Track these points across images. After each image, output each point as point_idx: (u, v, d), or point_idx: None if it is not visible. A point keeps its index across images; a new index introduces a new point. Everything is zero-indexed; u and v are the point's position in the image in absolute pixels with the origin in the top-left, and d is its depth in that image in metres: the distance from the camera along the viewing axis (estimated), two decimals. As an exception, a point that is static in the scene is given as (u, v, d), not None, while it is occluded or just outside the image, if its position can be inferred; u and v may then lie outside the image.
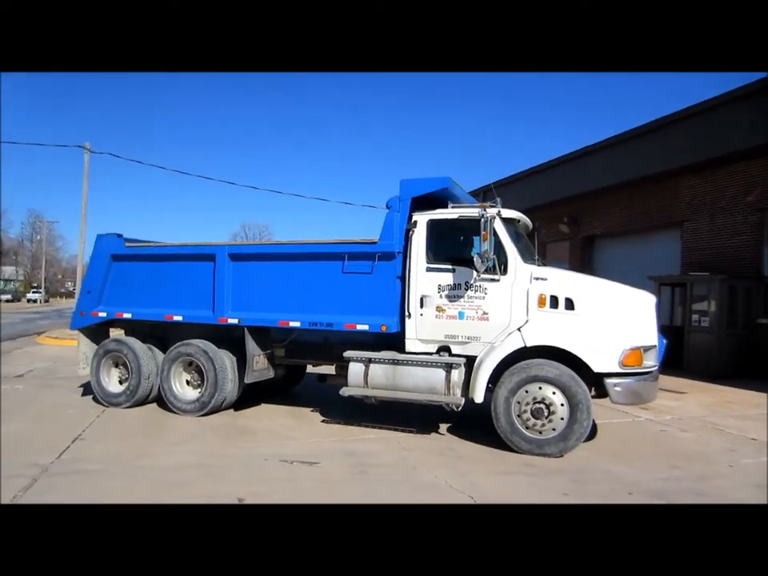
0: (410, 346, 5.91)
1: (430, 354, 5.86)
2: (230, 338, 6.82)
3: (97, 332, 7.66)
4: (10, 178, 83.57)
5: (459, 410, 5.71)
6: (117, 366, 7.30)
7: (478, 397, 5.51)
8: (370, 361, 5.93)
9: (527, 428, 5.33)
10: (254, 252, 6.74)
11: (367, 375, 5.91)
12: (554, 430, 5.25)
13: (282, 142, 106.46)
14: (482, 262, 5.30)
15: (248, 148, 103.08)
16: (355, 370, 5.98)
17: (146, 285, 7.08)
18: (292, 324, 6.29)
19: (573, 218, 16.77)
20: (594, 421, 5.60)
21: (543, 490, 4.39)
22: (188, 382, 6.94)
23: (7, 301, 54.49)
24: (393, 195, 5.88)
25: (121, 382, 7.25)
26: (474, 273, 5.56)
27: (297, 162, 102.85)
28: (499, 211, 5.69)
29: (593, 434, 5.98)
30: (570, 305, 5.41)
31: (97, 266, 7.40)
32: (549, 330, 5.40)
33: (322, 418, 6.71)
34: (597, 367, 5.25)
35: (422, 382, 5.69)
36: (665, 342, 6.00)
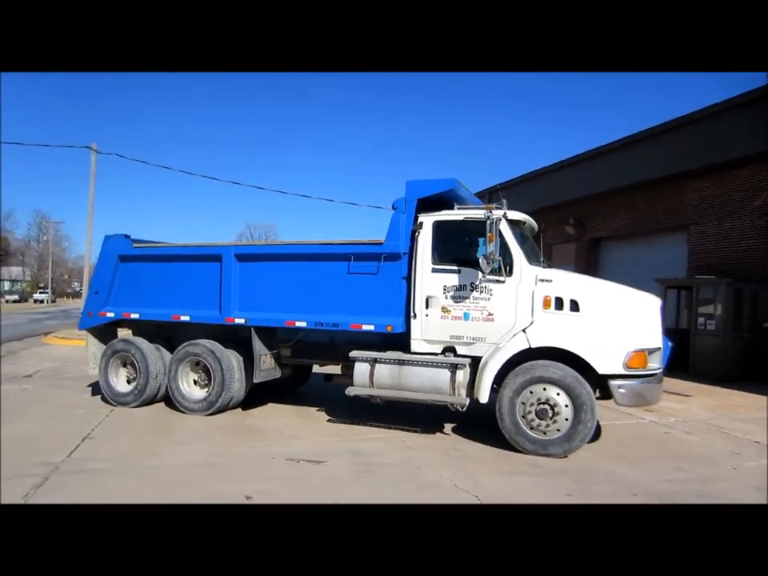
0: (415, 346, 5.95)
1: (436, 354, 5.90)
2: (236, 338, 6.89)
3: (105, 332, 7.74)
4: (16, 179, 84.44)
5: (464, 410, 5.75)
6: (125, 365, 7.36)
7: (483, 397, 5.54)
8: (375, 361, 5.98)
9: (532, 428, 5.36)
10: (260, 252, 6.80)
11: (373, 375, 5.95)
12: (558, 430, 5.28)
13: (287, 141, 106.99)
14: (488, 263, 5.34)
15: (253, 148, 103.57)
16: (361, 369, 6.03)
17: (154, 285, 7.15)
18: (298, 324, 6.34)
19: (579, 220, 16.76)
20: (598, 422, 5.61)
21: (547, 490, 4.42)
22: (195, 382, 7.00)
23: (14, 301, 54.92)
24: (398, 196, 5.93)
25: (129, 382, 7.31)
26: (480, 274, 5.60)
27: (302, 162, 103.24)
28: (505, 213, 5.72)
29: (597, 435, 5.99)
30: (575, 306, 5.44)
31: (104, 267, 7.48)
32: (553, 332, 5.43)
33: (328, 418, 6.76)
34: (601, 369, 5.28)
35: (428, 382, 5.73)
36: (670, 344, 6.01)
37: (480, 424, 6.24)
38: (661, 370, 5.61)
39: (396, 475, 4.70)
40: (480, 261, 5.40)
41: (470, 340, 5.76)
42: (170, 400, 7.08)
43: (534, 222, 6.49)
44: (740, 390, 9.76)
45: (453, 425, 6.46)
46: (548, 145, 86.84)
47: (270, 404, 7.49)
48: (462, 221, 5.85)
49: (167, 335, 7.40)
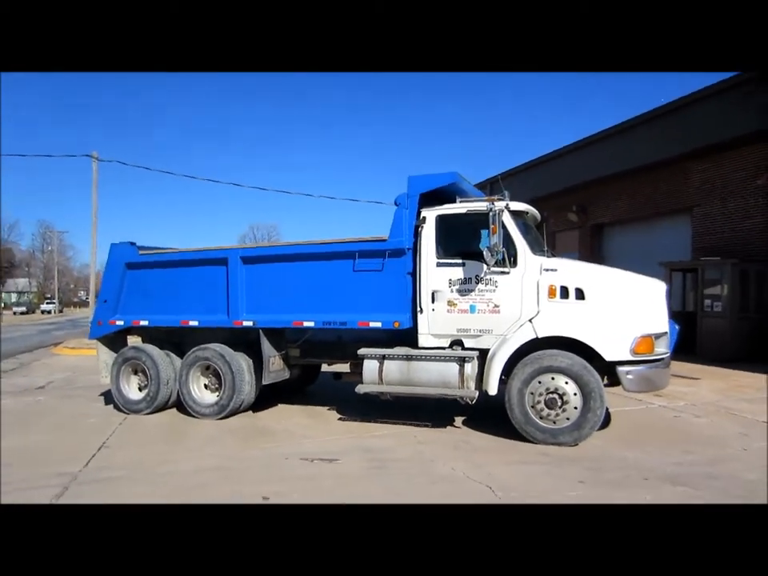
0: (422, 341, 5.99)
1: (443, 348, 5.93)
2: (245, 341, 6.94)
3: (115, 340, 7.80)
4: (18, 190, 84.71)
5: (473, 402, 5.77)
6: (136, 373, 7.42)
7: (492, 389, 5.57)
8: (384, 357, 6.02)
9: (541, 418, 5.39)
10: (265, 254, 6.82)
11: (382, 372, 5.99)
12: (567, 419, 5.31)
13: (287, 141, 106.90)
14: (492, 255, 5.37)
15: (253, 148, 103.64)
16: (370, 367, 6.07)
17: (161, 291, 7.20)
18: (306, 324, 6.38)
19: (581, 206, 16.72)
20: (607, 409, 5.64)
21: (559, 478, 4.45)
22: (206, 386, 7.06)
23: (22, 313, 55.30)
24: (399, 192, 5.94)
25: (140, 389, 7.36)
26: (484, 266, 5.63)
27: (303, 162, 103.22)
28: (507, 204, 5.74)
29: (606, 422, 6.02)
30: (580, 295, 5.45)
31: (112, 275, 7.53)
32: (560, 321, 5.45)
33: (339, 416, 6.81)
34: (608, 356, 5.30)
35: (436, 376, 5.76)
36: (677, 328, 6.02)
37: (490, 416, 6.27)
38: (668, 355, 5.63)
39: (409, 470, 4.75)
40: (484, 253, 5.42)
41: (477, 332, 5.79)
42: (181, 406, 7.14)
43: (536, 211, 6.50)
44: (748, 371, 9.76)
45: (463, 418, 6.50)
46: (547, 132, 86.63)
47: (280, 405, 7.55)
48: (465, 214, 5.87)
49: (176, 341, 7.45)
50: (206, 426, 6.56)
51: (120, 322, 7.44)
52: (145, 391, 7.24)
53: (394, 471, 4.73)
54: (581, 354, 5.35)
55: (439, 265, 5.89)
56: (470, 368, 5.69)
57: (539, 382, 5.41)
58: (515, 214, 5.88)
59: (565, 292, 5.50)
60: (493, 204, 5.47)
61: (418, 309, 5.95)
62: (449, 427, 6.18)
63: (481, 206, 5.71)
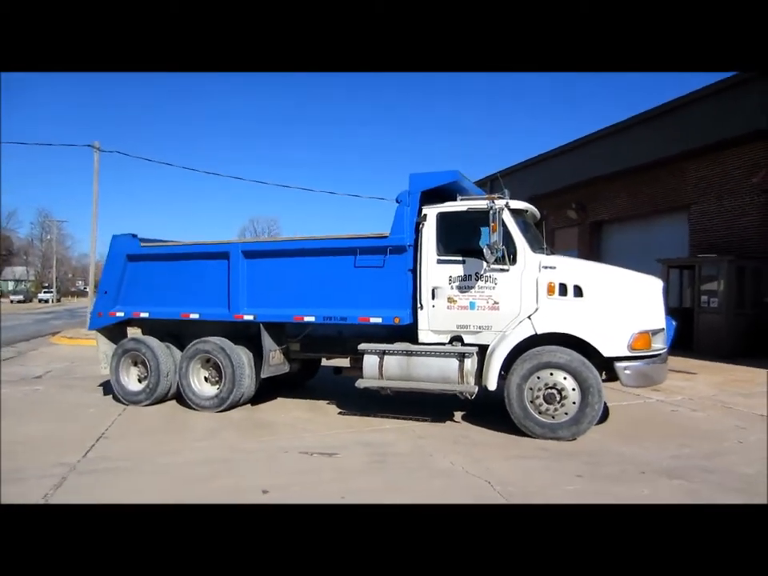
0: (422, 337, 6.04)
1: (443, 344, 5.98)
2: (245, 335, 6.97)
3: (115, 332, 7.82)
4: (18, 178, 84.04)
5: (473, 398, 5.83)
6: (135, 364, 7.45)
7: (491, 384, 5.63)
8: (384, 353, 6.06)
9: (540, 413, 5.46)
10: (267, 249, 6.84)
11: (382, 367, 6.04)
12: (566, 414, 5.37)
13: (290, 135, 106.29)
14: (492, 252, 5.40)
15: (255, 142, 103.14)
16: (370, 362, 6.11)
17: (162, 284, 7.22)
18: (307, 319, 6.42)
19: (581, 204, 16.78)
20: (605, 404, 5.72)
21: (557, 473, 4.52)
22: (206, 379, 7.09)
23: (19, 301, 55.12)
24: (400, 188, 5.98)
25: (140, 381, 7.39)
26: (484, 263, 5.67)
27: (304, 158, 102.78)
28: (507, 202, 5.78)
29: (604, 416, 6.10)
30: (578, 292, 5.50)
31: (113, 267, 7.54)
32: (558, 317, 5.50)
33: (339, 410, 6.86)
34: (606, 352, 5.36)
35: (436, 371, 5.82)
36: (674, 323, 6.09)
37: (489, 411, 6.34)
38: (665, 350, 5.70)
39: (408, 464, 4.80)
40: (484, 250, 5.46)
41: (477, 329, 5.84)
42: (181, 398, 7.18)
43: (535, 209, 6.54)
44: (744, 366, 9.89)
45: (462, 413, 6.56)
46: (547, 131, 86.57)
47: (279, 399, 7.59)
48: (466, 211, 5.90)
49: (177, 333, 7.48)
50: (206, 418, 6.60)
51: (120, 314, 7.46)
52: (144, 383, 7.27)
53: (394, 465, 4.78)
54: (579, 350, 5.42)
55: (440, 262, 5.92)
56: (470, 364, 5.74)
57: (538, 378, 5.47)
58: (515, 212, 5.92)
59: (563, 289, 5.55)
60: (493, 202, 5.50)
61: (419, 305, 5.99)
62: (448, 422, 6.24)
63: (481, 204, 5.74)
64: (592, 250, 16.56)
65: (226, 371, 6.76)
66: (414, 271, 5.98)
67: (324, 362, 8.03)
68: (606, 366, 5.56)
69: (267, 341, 6.61)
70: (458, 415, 6.48)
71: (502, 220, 5.50)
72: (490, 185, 18.01)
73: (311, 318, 6.40)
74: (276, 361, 6.80)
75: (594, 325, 5.41)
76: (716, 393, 7.77)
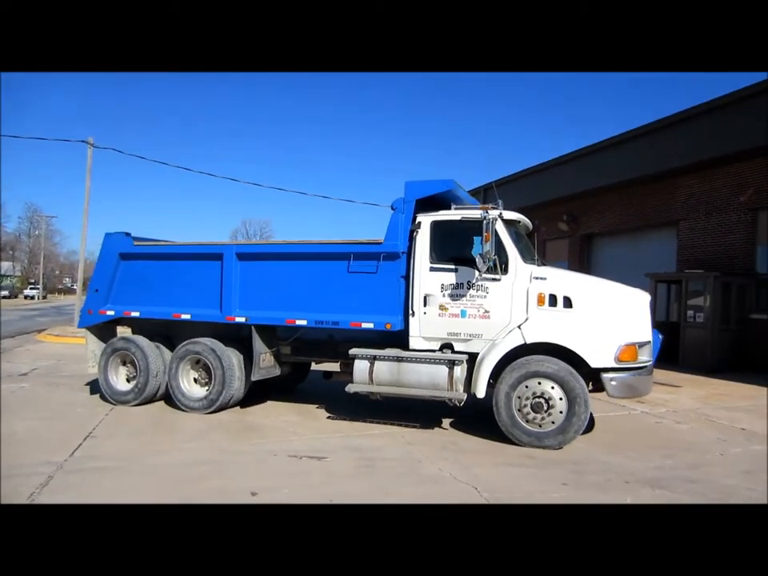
0: (413, 343, 6.09)
1: (433, 351, 6.04)
2: (236, 336, 6.98)
3: (104, 330, 7.78)
4: (6, 172, 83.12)
5: (462, 405, 5.89)
6: (124, 364, 7.41)
7: (480, 392, 5.69)
8: (374, 358, 6.10)
9: (527, 421, 5.52)
10: (261, 251, 6.87)
11: (372, 372, 6.08)
12: (553, 423, 5.45)
13: (286, 136, 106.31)
14: (484, 262, 5.49)
15: (251, 143, 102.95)
16: (360, 367, 6.15)
17: (154, 283, 7.20)
18: (299, 323, 6.44)
19: (572, 216, 16.98)
20: (591, 414, 5.80)
21: (543, 480, 4.58)
22: (196, 380, 7.07)
23: (4, 297, 54.29)
24: (393, 194, 6.06)
25: (129, 380, 7.36)
26: (476, 272, 5.74)
27: (299, 159, 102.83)
28: (501, 213, 5.87)
29: (590, 426, 6.18)
30: (568, 303, 5.60)
31: (105, 265, 7.50)
32: (548, 328, 5.58)
33: (328, 415, 6.88)
34: (594, 363, 5.45)
35: (426, 378, 5.87)
36: (660, 337, 6.20)
37: (477, 418, 6.40)
38: (651, 363, 5.79)
39: (397, 469, 4.83)
40: (476, 259, 5.55)
41: (467, 337, 5.91)
42: (169, 398, 7.15)
43: (528, 221, 6.64)
44: (727, 380, 10.06)
45: (451, 420, 6.61)
46: (542, 142, 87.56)
47: (269, 402, 7.59)
48: (459, 221, 5.98)
49: (167, 333, 7.46)
50: (195, 419, 6.58)
51: (111, 312, 7.43)
52: (133, 382, 7.24)
53: (382, 470, 4.81)
54: (567, 360, 5.50)
55: (432, 269, 5.99)
56: (460, 371, 5.80)
57: (526, 387, 5.54)
58: (508, 223, 6.01)
59: (553, 300, 5.64)
60: (487, 212, 5.59)
61: (410, 312, 6.04)
62: (436, 428, 6.29)
63: (475, 213, 5.83)
64: (582, 262, 16.76)
65: (215, 373, 6.76)
66: (407, 278, 6.04)
67: (314, 366, 8.05)
68: (593, 377, 5.65)
69: (258, 343, 6.62)
70: (446, 422, 6.52)
71: (495, 230, 5.58)
72: (484, 194, 18.20)
73: (303, 322, 6.43)
74: (267, 364, 6.81)
75: (582, 336, 5.50)
76: (699, 406, 7.90)
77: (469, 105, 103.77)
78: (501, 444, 5.60)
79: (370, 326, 6.08)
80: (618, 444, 5.77)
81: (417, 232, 6.05)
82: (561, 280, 5.80)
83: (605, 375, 5.47)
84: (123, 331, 8.01)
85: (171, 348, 7.29)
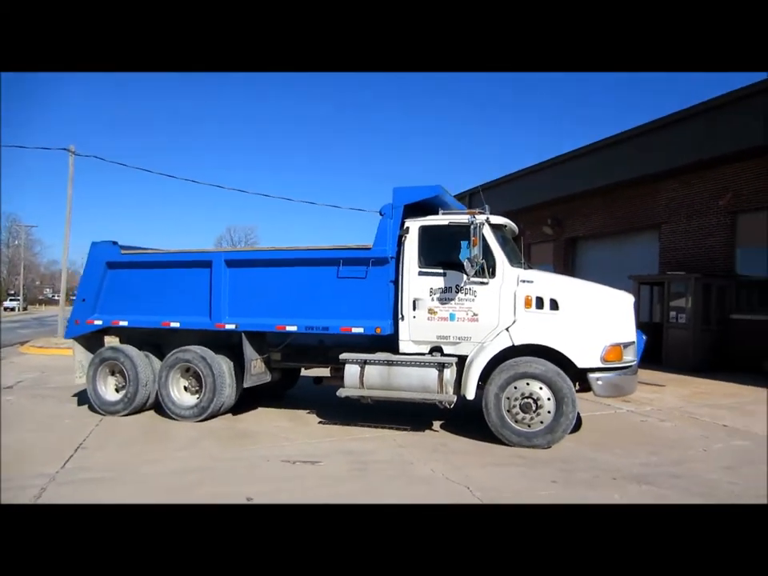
0: (403, 347, 6.16)
1: (423, 354, 6.11)
2: (226, 344, 6.98)
3: (91, 340, 7.70)
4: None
5: (452, 407, 5.97)
6: (113, 374, 7.35)
7: (470, 394, 5.78)
8: (365, 362, 6.16)
9: (516, 422, 5.62)
10: (250, 258, 6.88)
11: (363, 376, 6.13)
12: (541, 423, 5.55)
13: (270, 142, 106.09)
14: (472, 266, 5.59)
15: (235, 147, 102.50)
16: (351, 371, 6.20)
17: (142, 292, 7.18)
18: (289, 328, 6.47)
19: (557, 219, 17.23)
20: (578, 413, 5.91)
21: (533, 479, 4.67)
22: (186, 388, 7.05)
23: (-17, 310, 53.13)
24: (380, 199, 6.15)
25: (118, 390, 7.30)
26: (464, 276, 5.84)
27: (285, 164, 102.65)
28: (488, 218, 5.99)
29: (578, 425, 6.28)
30: (554, 305, 5.72)
31: (92, 274, 7.45)
32: (535, 330, 5.69)
33: (319, 420, 6.90)
34: (580, 363, 5.57)
35: (416, 381, 5.94)
36: (644, 338, 6.34)
37: (467, 420, 6.48)
38: (635, 362, 5.93)
39: (389, 471, 4.89)
40: (464, 263, 5.65)
41: (456, 340, 5.99)
42: (159, 408, 7.11)
43: (514, 225, 6.76)
44: (709, 379, 10.28)
45: (441, 422, 6.68)
46: (527, 146, 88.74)
47: (260, 408, 7.59)
48: (447, 225, 6.09)
49: (156, 342, 7.43)
50: (186, 427, 6.56)
51: (98, 322, 7.38)
52: (122, 392, 7.19)
53: (375, 473, 4.86)
54: (554, 361, 5.61)
55: (421, 274, 6.08)
56: (449, 373, 5.88)
57: (515, 388, 5.64)
58: (495, 227, 6.12)
59: (540, 302, 5.76)
60: (474, 217, 5.71)
61: (400, 316, 6.12)
62: (427, 431, 6.35)
63: (462, 218, 5.94)
64: (566, 265, 17.00)
65: (206, 380, 6.74)
66: (396, 283, 6.12)
67: (303, 372, 8.07)
68: (580, 377, 5.77)
69: (249, 350, 6.63)
70: (436, 424, 6.59)
71: (482, 235, 5.70)
72: (469, 199, 18.41)
73: (293, 328, 6.46)
74: (258, 370, 6.82)
75: (568, 337, 5.62)
76: (683, 404, 8.07)
77: (455, 107, 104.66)
78: (491, 444, 5.68)
79: (360, 330, 6.14)
80: (604, 442, 5.89)
81: (405, 237, 6.14)
82: (547, 283, 5.92)
83: (591, 375, 5.59)
84: (111, 341, 7.95)
85: (160, 357, 7.26)
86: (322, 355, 6.87)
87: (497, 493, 4.31)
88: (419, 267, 6.09)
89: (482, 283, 5.86)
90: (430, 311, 6.03)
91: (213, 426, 6.66)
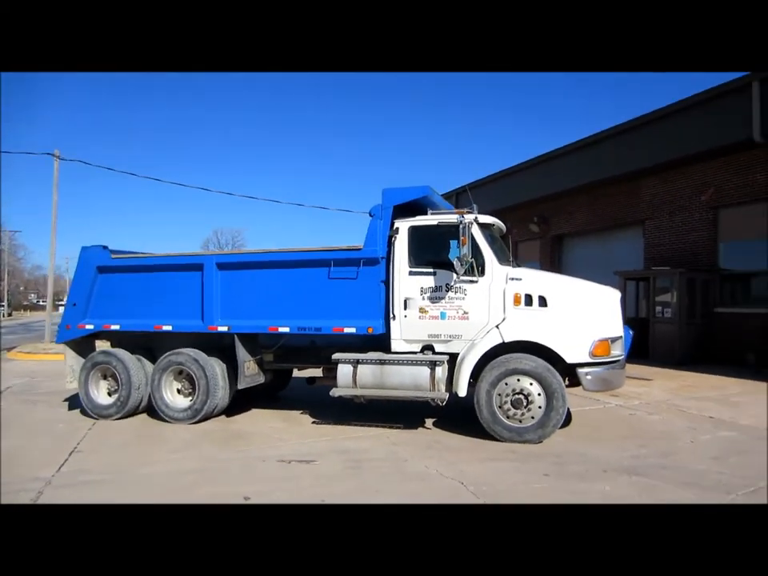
0: (395, 346, 6.23)
1: (415, 353, 6.19)
2: (219, 346, 7.00)
3: (82, 345, 7.68)
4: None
5: (444, 404, 6.05)
6: (105, 377, 7.34)
7: (462, 391, 5.86)
8: (357, 362, 6.22)
9: (508, 417, 5.72)
10: (241, 261, 6.89)
11: (356, 376, 6.19)
12: (532, 418, 5.65)
13: (257, 144, 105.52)
14: (461, 264, 5.68)
15: (222, 150, 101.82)
16: (344, 371, 6.25)
17: (134, 296, 7.17)
18: (281, 330, 6.51)
19: (543, 217, 17.41)
20: (568, 408, 6.02)
21: (526, 473, 4.77)
22: (179, 391, 7.05)
23: (-33, 317, 52.26)
24: (369, 201, 6.21)
25: (110, 394, 7.28)
26: (454, 275, 5.93)
27: (272, 166, 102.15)
28: (476, 217, 6.08)
29: (568, 420, 6.41)
30: (543, 302, 5.82)
31: (82, 279, 7.43)
32: (524, 326, 5.80)
33: (313, 420, 6.95)
34: (569, 358, 5.68)
35: (409, 379, 6.01)
36: (631, 332, 6.48)
37: (459, 417, 6.57)
38: (623, 357, 6.05)
39: (383, 469, 4.95)
40: (454, 263, 5.73)
41: (447, 338, 6.08)
42: (152, 411, 7.12)
43: (501, 223, 6.87)
44: (695, 372, 10.50)
45: (433, 419, 6.76)
46: (513, 146, 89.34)
47: (253, 410, 7.61)
48: (436, 225, 6.17)
49: (148, 345, 7.42)
50: (180, 430, 6.57)
51: (90, 326, 7.36)
52: (115, 396, 7.18)
53: (370, 470, 4.92)
54: (544, 356, 5.72)
55: (411, 273, 6.15)
56: (441, 371, 5.96)
57: (506, 384, 5.74)
58: (483, 226, 6.22)
59: (529, 300, 5.86)
60: (463, 216, 5.79)
61: (391, 315, 6.19)
62: (420, 428, 6.43)
63: (451, 218, 6.03)
64: (553, 262, 17.20)
65: (199, 383, 6.76)
66: (387, 282, 6.18)
67: (296, 373, 8.11)
68: (569, 372, 5.89)
69: (242, 352, 6.65)
70: (429, 422, 6.67)
71: (471, 234, 5.79)
72: (456, 198, 18.55)
73: (286, 329, 6.50)
74: (251, 372, 6.85)
75: (557, 333, 5.73)
76: (670, 397, 8.25)
77: (442, 108, 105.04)
78: (483, 440, 5.77)
79: (352, 330, 6.20)
80: (594, 436, 6.01)
81: (395, 237, 6.21)
82: (535, 280, 6.03)
83: (580, 370, 5.70)
84: (102, 345, 7.93)
85: (152, 360, 7.26)
86: (314, 356, 6.91)
87: (490, 487, 4.40)
88: (410, 267, 6.16)
89: (472, 282, 5.95)
90: (421, 310, 6.10)
91: (207, 427, 6.68)
